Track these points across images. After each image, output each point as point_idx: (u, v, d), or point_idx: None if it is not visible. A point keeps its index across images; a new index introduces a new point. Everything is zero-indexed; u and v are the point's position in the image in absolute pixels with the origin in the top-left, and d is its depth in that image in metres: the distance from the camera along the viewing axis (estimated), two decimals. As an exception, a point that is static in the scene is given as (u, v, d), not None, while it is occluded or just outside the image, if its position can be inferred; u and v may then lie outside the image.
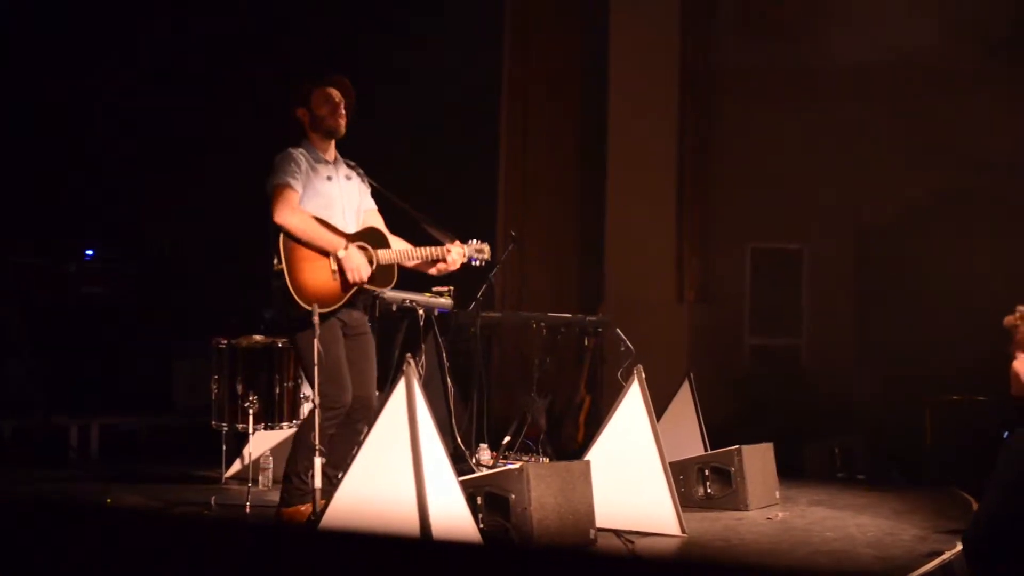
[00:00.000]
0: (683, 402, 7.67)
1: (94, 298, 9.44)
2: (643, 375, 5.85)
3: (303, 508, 5.48)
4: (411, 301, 6.91)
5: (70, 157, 9.58)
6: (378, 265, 5.56)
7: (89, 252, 9.70)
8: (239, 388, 6.83)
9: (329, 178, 5.63)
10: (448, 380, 7.27)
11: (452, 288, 7.25)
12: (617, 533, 5.54)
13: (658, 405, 6.31)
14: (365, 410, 5.56)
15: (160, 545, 3.00)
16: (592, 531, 5.28)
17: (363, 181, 5.79)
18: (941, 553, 5.15)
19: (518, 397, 8.62)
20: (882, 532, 5.83)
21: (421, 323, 6.88)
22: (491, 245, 5.97)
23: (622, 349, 7.59)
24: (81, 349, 9.16)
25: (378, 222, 5.81)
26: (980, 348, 8.45)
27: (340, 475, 5.14)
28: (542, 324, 8.28)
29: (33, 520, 3.11)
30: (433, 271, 5.82)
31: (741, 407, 9.66)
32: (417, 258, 5.71)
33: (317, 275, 5.44)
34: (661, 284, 10.21)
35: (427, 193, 9.21)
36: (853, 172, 9.89)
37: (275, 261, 5.41)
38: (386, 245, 5.65)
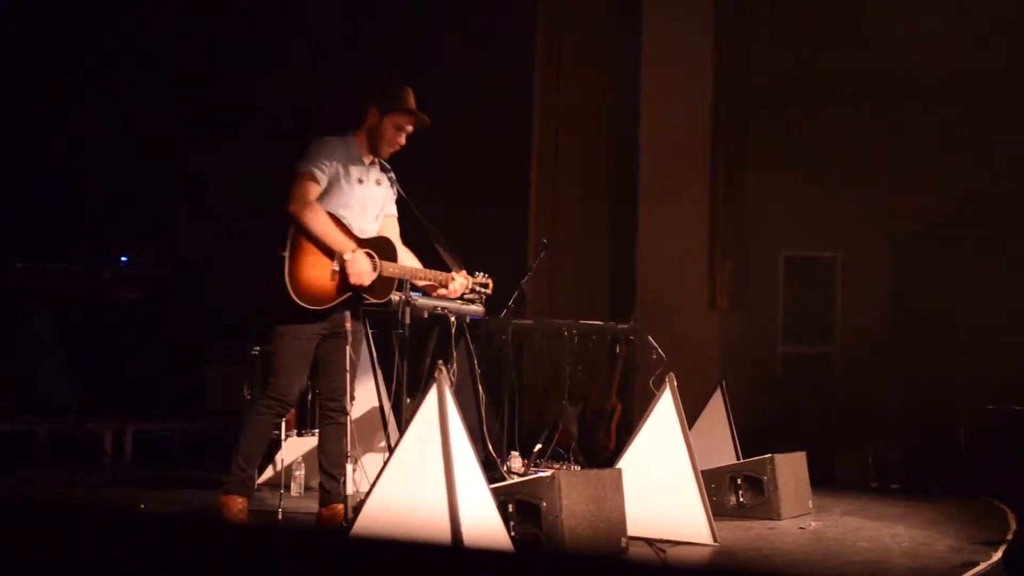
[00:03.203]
0: (715, 410, 7.65)
1: (129, 303, 9.49)
2: (675, 383, 5.83)
3: (239, 499, 5.54)
4: (443, 308, 6.91)
5: (101, 163, 9.65)
6: (380, 276, 5.48)
7: (124, 258, 9.77)
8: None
9: (360, 180, 5.56)
10: (479, 387, 7.27)
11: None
12: (649, 542, 5.52)
13: (690, 413, 6.28)
14: (336, 404, 5.59)
15: (192, 550, 3.01)
16: (623, 539, 5.26)
17: (392, 187, 5.71)
18: (976, 564, 5.10)
19: (549, 404, 8.61)
20: (917, 542, 5.78)
21: (452, 330, 6.87)
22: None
23: (654, 357, 7.57)
24: (116, 354, 9.22)
25: (393, 231, 5.76)
26: (1016, 356, 8.39)
27: (341, 474, 5.44)
28: (573, 331, 8.26)
29: (66, 524, 3.13)
30: (433, 294, 5.87)
31: (774, 415, 9.61)
32: (421, 278, 5.70)
33: (317, 271, 5.38)
34: (693, 291, 10.18)
35: (460, 201, 9.23)
36: (887, 179, 9.83)
37: (279, 248, 5.37)
38: (394, 257, 5.57)
